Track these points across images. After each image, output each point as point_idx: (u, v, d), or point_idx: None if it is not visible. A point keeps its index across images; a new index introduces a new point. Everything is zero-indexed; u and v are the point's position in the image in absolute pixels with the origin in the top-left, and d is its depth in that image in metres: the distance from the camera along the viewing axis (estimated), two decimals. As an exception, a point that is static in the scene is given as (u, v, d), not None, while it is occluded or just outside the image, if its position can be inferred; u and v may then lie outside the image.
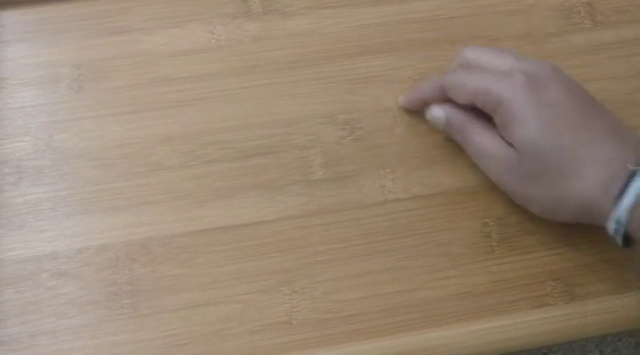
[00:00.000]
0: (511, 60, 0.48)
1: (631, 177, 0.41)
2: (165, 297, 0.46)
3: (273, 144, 0.52)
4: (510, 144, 0.45)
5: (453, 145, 0.52)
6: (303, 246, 0.48)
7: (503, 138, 0.46)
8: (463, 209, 0.50)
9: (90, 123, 0.52)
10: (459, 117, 0.49)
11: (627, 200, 0.41)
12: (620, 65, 0.56)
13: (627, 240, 0.42)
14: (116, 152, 0.51)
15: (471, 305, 0.46)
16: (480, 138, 0.47)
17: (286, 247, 0.48)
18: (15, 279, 0.46)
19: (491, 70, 0.48)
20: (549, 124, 0.44)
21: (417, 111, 0.53)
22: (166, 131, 0.52)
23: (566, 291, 0.48)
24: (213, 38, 0.55)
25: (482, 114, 0.48)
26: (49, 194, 0.49)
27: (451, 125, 0.49)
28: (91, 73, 0.53)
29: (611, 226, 0.42)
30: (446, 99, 0.50)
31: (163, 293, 0.46)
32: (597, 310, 0.46)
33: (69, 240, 0.48)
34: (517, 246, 0.49)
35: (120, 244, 0.48)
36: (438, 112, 0.50)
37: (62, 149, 0.50)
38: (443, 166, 0.51)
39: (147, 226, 0.48)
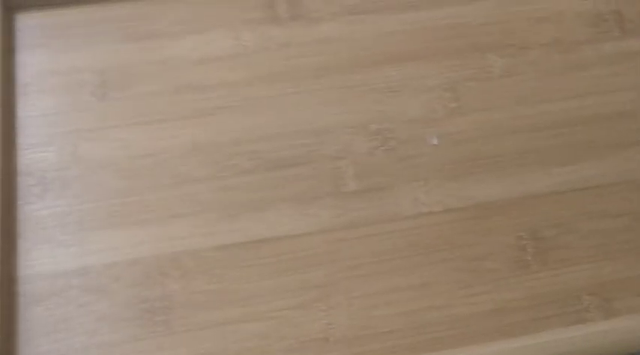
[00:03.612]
0: None
1: None
2: (198, 314, 0.45)
3: (304, 155, 0.51)
4: None
5: (486, 157, 0.51)
6: (336, 260, 0.47)
7: None
8: (497, 222, 0.49)
9: (115, 132, 0.50)
10: None
11: None
12: (650, 74, 0.56)
13: None
14: (143, 162, 0.49)
15: (504, 321, 0.46)
16: None
17: (320, 261, 0.47)
18: (43, 296, 0.45)
19: None
20: None
21: (447, 120, 0.52)
22: (194, 140, 0.50)
23: (602, 306, 0.47)
24: (240, 44, 0.54)
25: None
26: (75, 207, 0.48)
27: None
28: (115, 80, 0.52)
29: None
30: None
31: (196, 309, 0.45)
32: (634, 326, 0.46)
33: (97, 254, 0.46)
34: (552, 260, 0.48)
35: (150, 258, 0.46)
36: None
37: (87, 159, 0.49)
38: (476, 178, 0.51)
39: (177, 240, 0.47)
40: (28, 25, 0.53)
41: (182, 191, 0.49)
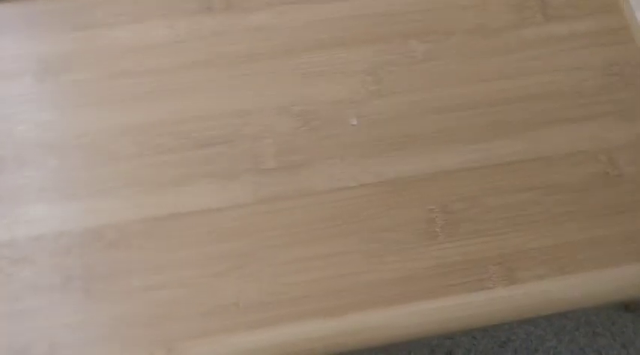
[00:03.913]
0: None
1: None
2: (116, 281, 0.48)
3: (227, 135, 0.53)
4: None
5: (402, 136, 0.53)
6: (251, 232, 0.50)
7: None
8: (408, 196, 0.51)
9: (51, 114, 0.53)
10: None
11: None
12: (570, 58, 0.58)
13: None
14: (76, 142, 0.52)
15: (411, 288, 0.48)
16: None
17: (236, 233, 0.50)
18: (-27, 263, 0.48)
19: None
20: None
21: (368, 102, 0.55)
22: (124, 122, 0.53)
23: (506, 275, 0.49)
24: (174, 33, 0.57)
25: None
26: (8, 183, 0.51)
27: None
28: (56, 67, 0.55)
29: None
30: None
31: (115, 277, 0.48)
32: (534, 292, 0.47)
33: (26, 226, 0.49)
34: (460, 232, 0.50)
35: (76, 230, 0.49)
36: None
37: (23, 139, 0.52)
38: (391, 156, 0.53)
39: (102, 213, 0.50)
40: (-25, 17, 0.57)
41: (110, 168, 0.52)
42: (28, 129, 0.53)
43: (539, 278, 0.49)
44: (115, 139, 0.53)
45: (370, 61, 0.57)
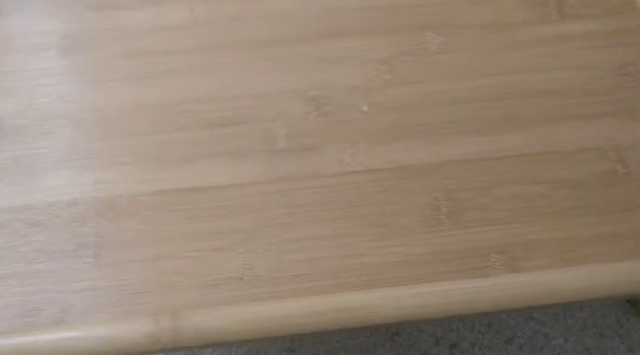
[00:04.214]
0: None
1: None
2: (126, 250, 0.49)
3: (241, 116, 0.55)
4: None
5: (412, 124, 0.54)
6: (260, 209, 0.51)
7: None
8: (415, 183, 0.52)
9: (71, 88, 0.55)
10: None
11: None
12: (583, 56, 0.58)
13: None
14: (92, 116, 0.54)
15: (413, 271, 0.48)
16: None
17: (244, 210, 0.51)
18: (-10, 226, 0.50)
19: None
20: None
21: (380, 90, 0.56)
22: (141, 99, 0.55)
23: (509, 264, 0.49)
24: (193, 16, 0.59)
25: None
26: (27, 151, 0.53)
27: None
28: (77, 43, 0.57)
29: None
30: None
31: (125, 246, 0.49)
32: (536, 281, 0.48)
33: (43, 193, 0.51)
34: (465, 220, 0.51)
35: (89, 199, 0.51)
36: None
37: (42, 111, 0.54)
38: (401, 143, 0.54)
39: (115, 184, 0.51)
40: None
41: (124, 142, 0.53)
42: (48, 102, 0.55)
43: (542, 268, 0.49)
44: (132, 115, 0.54)
45: (385, 51, 0.58)
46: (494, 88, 0.57)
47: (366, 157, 0.53)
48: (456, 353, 0.74)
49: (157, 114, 0.54)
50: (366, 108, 0.55)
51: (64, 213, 0.50)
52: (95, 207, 0.51)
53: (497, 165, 0.53)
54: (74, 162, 0.52)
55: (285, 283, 0.48)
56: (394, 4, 0.60)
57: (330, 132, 0.54)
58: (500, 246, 0.50)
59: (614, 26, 0.59)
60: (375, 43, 0.58)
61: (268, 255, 0.49)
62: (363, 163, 0.53)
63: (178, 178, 0.52)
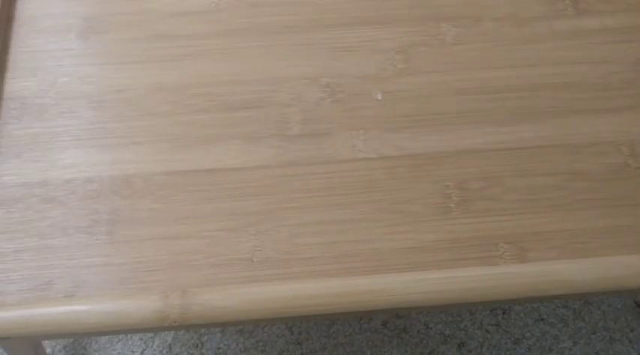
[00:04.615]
0: None
1: None
2: (139, 228, 0.50)
3: (257, 100, 0.55)
4: None
5: (426, 113, 0.55)
6: (272, 192, 0.51)
7: None
8: (427, 172, 0.52)
9: (92, 69, 0.56)
10: None
11: None
12: (599, 51, 0.58)
13: None
14: (112, 96, 0.55)
15: (420, 259, 0.49)
16: None
17: (257, 192, 0.51)
18: (7, 201, 0.51)
19: None
20: None
21: (394, 79, 0.56)
22: (160, 81, 0.56)
23: (517, 255, 0.49)
24: (214, 2, 0.60)
25: None
26: (47, 129, 0.54)
27: None
28: (99, 26, 0.58)
29: None
30: None
31: (139, 224, 0.50)
32: (545, 271, 0.48)
33: (60, 170, 0.52)
34: (475, 210, 0.51)
35: (105, 177, 0.52)
36: None
37: (63, 90, 0.55)
38: (414, 132, 0.54)
39: (131, 163, 0.52)
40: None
41: (142, 123, 0.54)
42: (69, 82, 0.56)
43: (551, 259, 0.49)
44: (150, 96, 0.55)
45: (400, 41, 0.58)
46: (509, 79, 0.57)
47: (379, 144, 0.54)
48: (463, 352, 0.74)
49: (175, 96, 0.55)
50: (380, 97, 0.55)
51: (79, 190, 0.51)
52: (110, 185, 0.51)
53: (509, 156, 0.53)
54: (92, 140, 0.53)
55: (294, 265, 0.49)
56: (412, -5, 0.60)
57: (343, 119, 0.55)
58: (509, 236, 0.50)
59: (630, 22, 0.59)
60: (391, 33, 0.59)
61: (279, 237, 0.50)
62: (376, 150, 0.53)
63: (193, 159, 0.53)
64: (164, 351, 0.74)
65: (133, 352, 0.74)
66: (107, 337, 0.75)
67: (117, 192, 0.51)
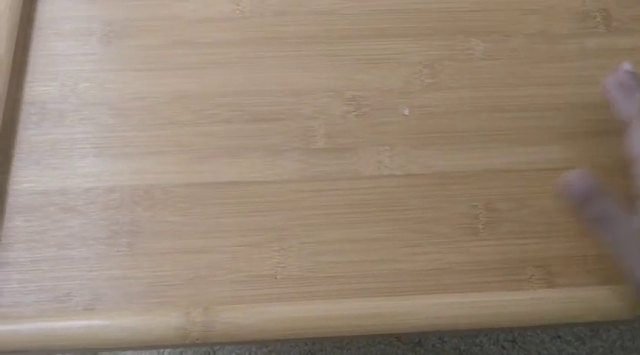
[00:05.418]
0: None
1: None
2: (160, 241, 0.49)
3: (281, 112, 0.54)
4: None
5: (453, 130, 0.54)
6: (295, 208, 0.50)
7: None
8: (454, 191, 0.51)
9: (113, 75, 0.55)
10: None
11: None
12: (631, 71, 0.57)
13: None
14: (133, 104, 0.54)
15: (445, 281, 0.48)
16: None
17: (279, 207, 0.50)
18: (25, 209, 0.50)
19: None
20: None
21: (422, 94, 0.55)
22: (182, 89, 0.55)
23: (546, 279, 0.49)
24: (238, 9, 0.58)
25: None
26: (67, 136, 0.53)
27: None
28: (121, 31, 0.57)
29: None
30: None
31: (159, 236, 0.49)
32: (574, 297, 0.47)
33: (80, 179, 0.51)
34: (503, 231, 0.50)
35: (126, 187, 0.51)
36: None
37: (84, 96, 0.54)
38: (441, 149, 0.53)
39: (152, 174, 0.51)
40: (51, -24, 0.59)
41: (163, 132, 0.53)
42: (90, 87, 0.54)
43: (581, 284, 0.48)
44: (171, 105, 0.54)
45: (428, 55, 0.57)
46: (538, 98, 0.56)
47: (405, 161, 0.53)
48: (476, 366, 0.73)
49: (197, 105, 0.54)
50: (407, 112, 0.54)
51: (99, 199, 0.50)
52: (131, 196, 0.50)
53: (538, 177, 0.52)
54: (112, 149, 0.52)
55: (318, 284, 0.48)
56: (441, 7, 0.59)
57: (368, 134, 0.54)
58: (537, 260, 0.49)
59: (664, 42, 0.58)
60: (418, 46, 0.57)
61: (302, 254, 0.49)
62: (402, 167, 0.52)
63: (215, 171, 0.52)
64: (174, 359, 0.73)
65: (142, 359, 0.73)
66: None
67: (138, 202, 0.50)
